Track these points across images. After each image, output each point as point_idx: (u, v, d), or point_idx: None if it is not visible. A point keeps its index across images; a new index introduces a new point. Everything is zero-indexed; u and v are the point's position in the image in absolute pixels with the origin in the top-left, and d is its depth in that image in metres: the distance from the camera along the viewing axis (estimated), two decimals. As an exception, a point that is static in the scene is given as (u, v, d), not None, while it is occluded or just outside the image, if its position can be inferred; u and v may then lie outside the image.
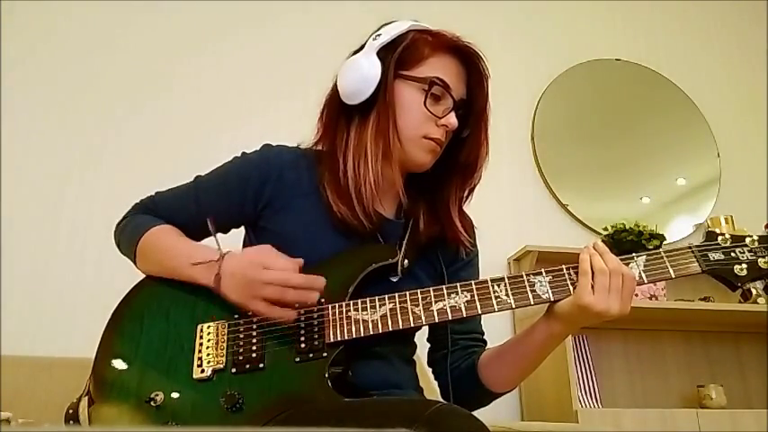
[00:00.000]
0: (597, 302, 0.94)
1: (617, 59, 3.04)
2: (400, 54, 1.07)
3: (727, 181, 2.93)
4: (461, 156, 1.12)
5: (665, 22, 3.21)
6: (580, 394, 2.30)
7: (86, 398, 0.98)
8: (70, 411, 0.99)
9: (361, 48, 1.11)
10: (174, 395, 0.94)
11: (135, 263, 1.11)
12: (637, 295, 2.35)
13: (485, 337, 1.19)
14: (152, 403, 0.93)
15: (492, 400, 1.11)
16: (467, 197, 1.15)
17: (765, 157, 3.03)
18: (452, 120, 1.06)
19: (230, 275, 0.97)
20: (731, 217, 2.55)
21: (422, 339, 1.19)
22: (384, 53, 1.07)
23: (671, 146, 2.97)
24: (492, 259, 2.41)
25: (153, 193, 1.17)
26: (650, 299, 2.38)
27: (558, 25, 3.05)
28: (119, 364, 0.99)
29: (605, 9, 3.14)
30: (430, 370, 1.20)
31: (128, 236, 1.12)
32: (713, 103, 3.06)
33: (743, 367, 2.61)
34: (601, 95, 3.00)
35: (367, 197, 1.04)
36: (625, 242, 2.35)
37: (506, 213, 2.61)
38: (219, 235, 1.14)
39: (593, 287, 0.94)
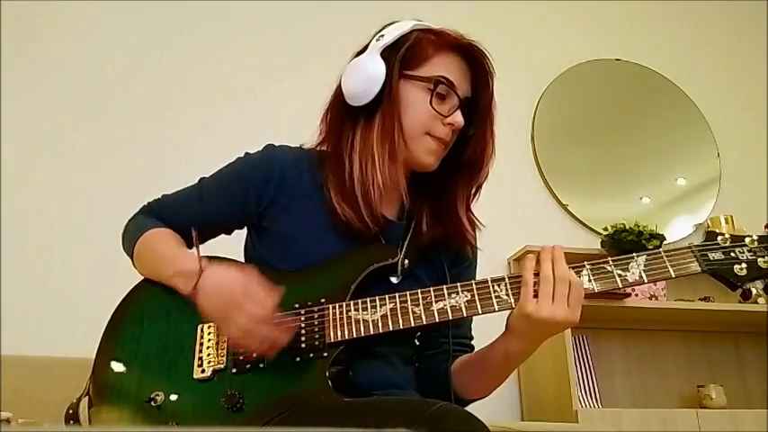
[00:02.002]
0: (540, 309, 0.93)
1: (617, 59, 3.04)
2: (404, 54, 1.06)
3: (727, 181, 2.92)
4: (467, 153, 1.12)
5: (665, 22, 3.21)
6: (580, 394, 2.30)
7: (86, 398, 0.98)
8: (70, 411, 0.99)
9: (365, 49, 1.11)
10: (175, 395, 0.94)
11: (133, 264, 1.12)
12: (637, 295, 2.35)
13: (473, 342, 1.19)
14: (152, 403, 0.93)
15: (465, 405, 1.10)
16: (474, 194, 1.15)
17: (765, 157, 3.03)
18: (458, 118, 1.06)
19: (206, 294, 0.95)
20: (731, 217, 2.55)
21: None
22: (388, 53, 1.07)
23: (671, 146, 2.97)
24: (492, 259, 2.40)
25: (160, 196, 1.18)
26: (650, 299, 2.38)
27: (558, 25, 3.05)
28: (119, 364, 0.99)
29: (605, 9, 3.14)
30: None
31: (128, 237, 1.14)
32: (713, 103, 3.06)
33: (743, 367, 2.61)
34: (601, 95, 3.00)
35: (375, 199, 1.04)
36: (625, 242, 2.35)
37: (506, 213, 2.61)
38: (222, 236, 1.16)
39: (536, 295, 0.94)
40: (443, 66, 1.07)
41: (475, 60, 1.09)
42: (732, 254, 0.99)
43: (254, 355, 0.94)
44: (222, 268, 0.97)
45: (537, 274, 0.96)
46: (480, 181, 1.14)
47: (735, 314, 2.46)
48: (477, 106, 1.11)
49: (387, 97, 1.05)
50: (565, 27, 3.05)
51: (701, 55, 3.18)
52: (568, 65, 2.96)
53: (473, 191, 1.14)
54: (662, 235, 2.44)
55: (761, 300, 2.58)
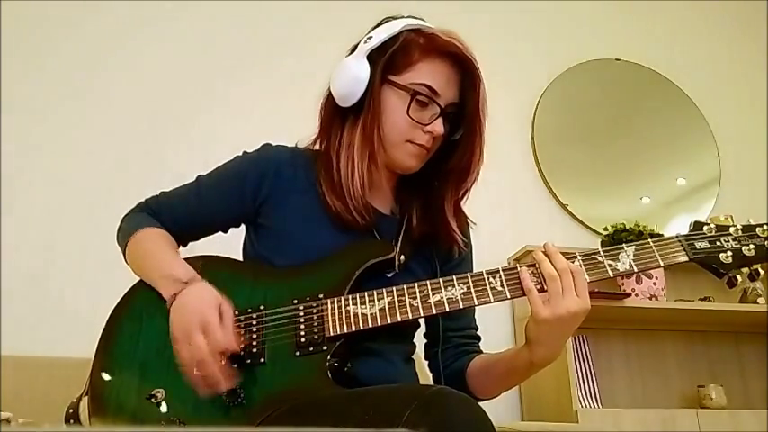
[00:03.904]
0: (554, 310, 0.94)
1: (617, 59, 3.04)
2: (389, 58, 1.06)
3: (727, 181, 2.92)
4: (454, 160, 1.11)
5: (665, 22, 3.21)
6: (580, 394, 2.30)
7: (86, 397, 0.98)
8: (70, 411, 0.99)
9: (357, 47, 1.11)
10: (175, 392, 0.94)
11: (125, 260, 1.13)
12: (637, 295, 2.35)
13: (479, 332, 1.20)
14: (153, 400, 0.93)
15: None
16: (462, 198, 1.15)
17: (765, 157, 3.03)
18: (438, 127, 1.06)
19: (180, 307, 0.95)
20: (731, 217, 2.54)
21: (420, 336, 1.19)
22: (375, 55, 1.07)
23: (671, 146, 2.97)
24: (492, 259, 2.36)
25: (158, 193, 1.19)
26: (650, 299, 2.37)
27: (558, 25, 3.05)
28: (119, 361, 1.00)
29: (605, 9, 3.14)
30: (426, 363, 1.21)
31: (123, 233, 1.15)
32: (713, 103, 3.05)
33: (743, 367, 2.61)
34: (601, 95, 3.00)
35: (355, 195, 1.05)
36: (625, 242, 2.35)
37: (506, 213, 2.61)
38: (219, 234, 1.16)
39: (548, 299, 0.95)
40: (428, 72, 1.06)
41: (464, 65, 1.08)
42: (718, 243, 1.02)
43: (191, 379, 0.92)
44: (204, 290, 0.97)
45: (536, 276, 0.97)
46: (468, 186, 1.13)
47: (735, 314, 2.45)
48: (465, 111, 1.09)
49: (368, 102, 1.06)
50: (565, 27, 3.05)
51: (701, 55, 3.18)
52: (568, 65, 2.95)
53: (461, 195, 1.14)
54: (662, 235, 2.43)
55: (760, 300, 2.57)
